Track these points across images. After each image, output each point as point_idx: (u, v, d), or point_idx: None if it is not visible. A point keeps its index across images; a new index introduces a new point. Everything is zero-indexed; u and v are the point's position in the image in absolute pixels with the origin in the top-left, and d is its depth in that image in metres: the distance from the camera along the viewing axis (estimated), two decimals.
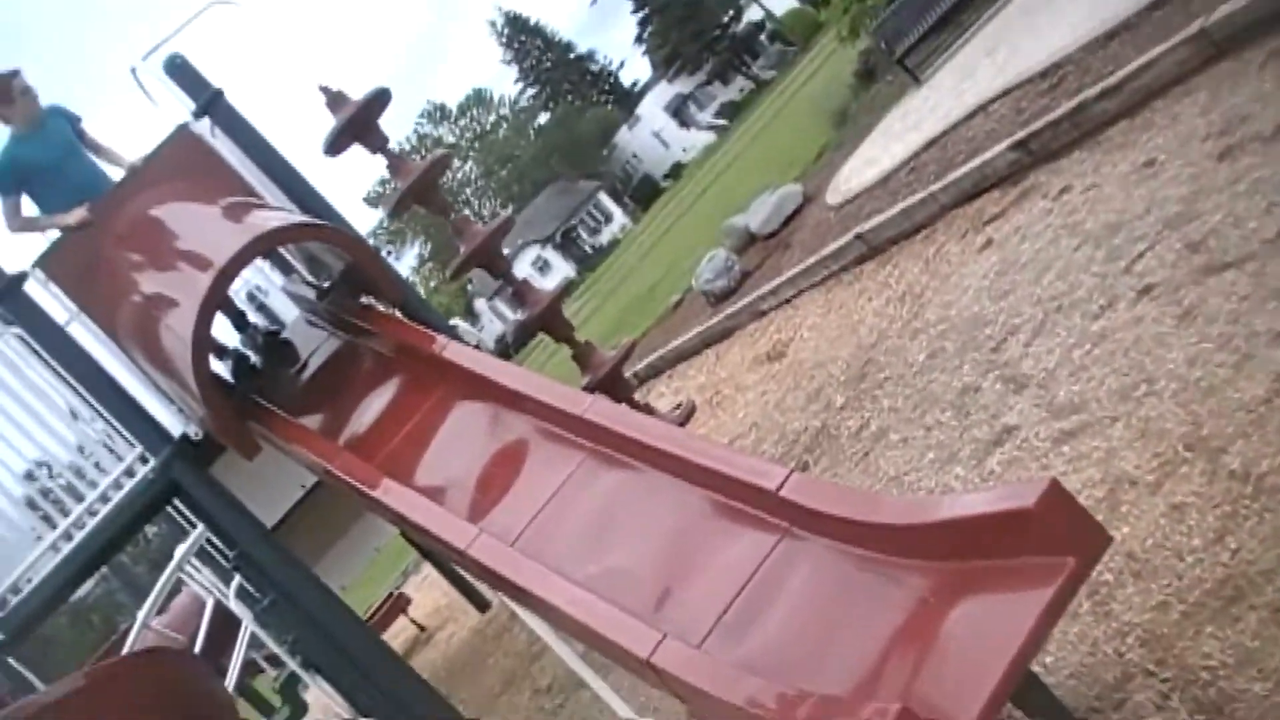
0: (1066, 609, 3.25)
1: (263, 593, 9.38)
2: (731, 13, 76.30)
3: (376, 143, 7.54)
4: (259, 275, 8.06)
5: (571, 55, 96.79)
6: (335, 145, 7.37)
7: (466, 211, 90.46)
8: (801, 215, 14.69)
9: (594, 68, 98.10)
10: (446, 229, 6.19)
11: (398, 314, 6.34)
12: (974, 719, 2.99)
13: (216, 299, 5.83)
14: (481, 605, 13.69)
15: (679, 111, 77.00)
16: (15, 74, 6.68)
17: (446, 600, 15.37)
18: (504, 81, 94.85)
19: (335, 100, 7.24)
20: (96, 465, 6.86)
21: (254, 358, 6.98)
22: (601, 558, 4.44)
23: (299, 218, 6.07)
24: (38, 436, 6.84)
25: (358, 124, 7.24)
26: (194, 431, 6.52)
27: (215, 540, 10.31)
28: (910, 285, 8.90)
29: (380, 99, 7.27)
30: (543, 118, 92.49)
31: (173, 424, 6.64)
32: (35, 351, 6.96)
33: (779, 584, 4.00)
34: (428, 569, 16.48)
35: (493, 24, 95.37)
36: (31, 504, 7.13)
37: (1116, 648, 3.70)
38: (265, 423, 5.97)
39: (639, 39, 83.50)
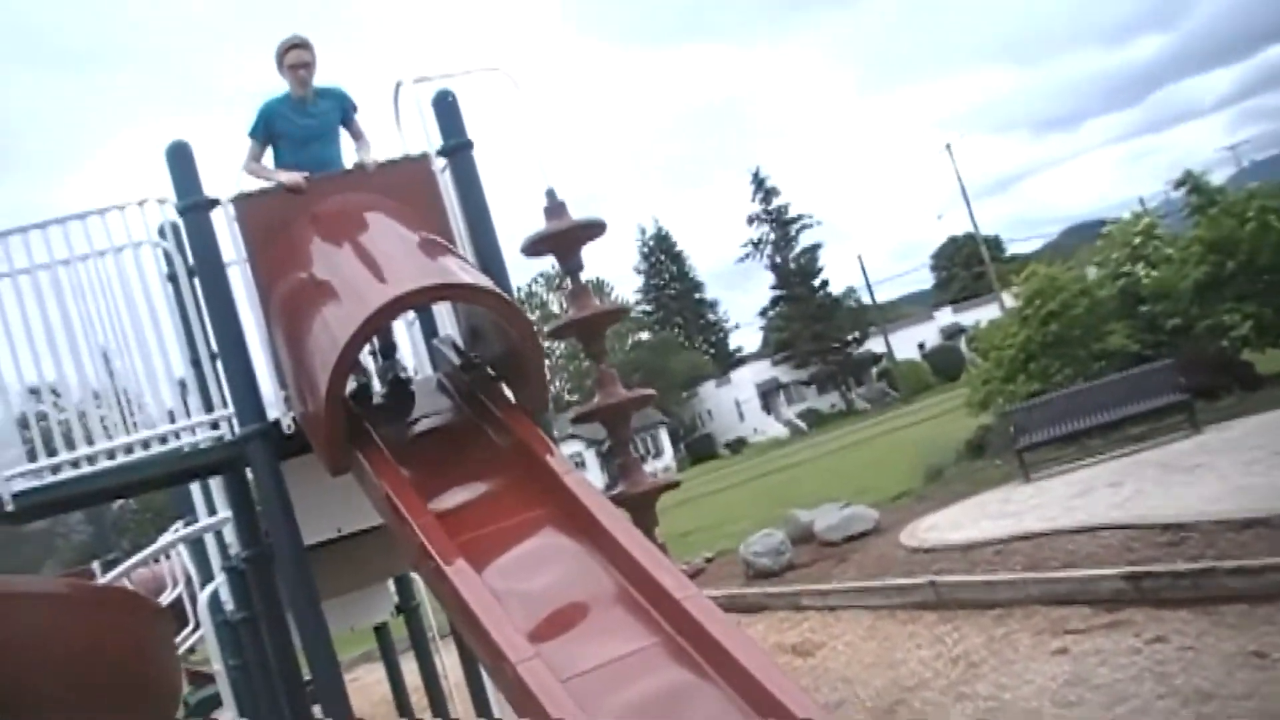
0: None
1: (240, 605, 9.15)
2: (858, 335, 77.62)
3: (571, 265, 7.69)
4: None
5: (697, 295, 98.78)
6: (535, 248, 7.52)
7: None
8: (866, 540, 14.66)
9: (711, 316, 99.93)
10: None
11: None
12: None
13: (385, 319, 5.81)
14: None
15: (768, 394, 77.69)
16: (291, 47, 6.89)
17: (371, 712, 14.87)
18: (625, 283, 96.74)
19: (555, 209, 7.41)
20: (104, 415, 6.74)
21: (377, 388, 6.94)
22: None
23: (493, 285, 6.09)
24: (86, 360, 6.78)
25: (563, 240, 7.40)
26: (288, 424, 6.41)
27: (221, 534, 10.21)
28: (968, 651, 8.74)
29: (593, 227, 7.42)
30: (644, 334, 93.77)
31: (270, 406, 6.56)
32: (171, 277, 7.00)
33: None
34: (364, 671, 16.05)
35: (642, 230, 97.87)
36: (23, 422, 7.04)
37: None
38: (364, 451, 5.86)
39: (764, 312, 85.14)
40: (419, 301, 6.12)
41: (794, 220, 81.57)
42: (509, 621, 4.71)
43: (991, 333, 21.67)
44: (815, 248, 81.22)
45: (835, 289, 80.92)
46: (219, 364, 6.85)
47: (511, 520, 5.49)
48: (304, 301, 6.17)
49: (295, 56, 6.90)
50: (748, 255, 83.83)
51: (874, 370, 78.01)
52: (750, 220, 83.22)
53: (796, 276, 79.96)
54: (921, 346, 76.38)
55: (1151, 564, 8.72)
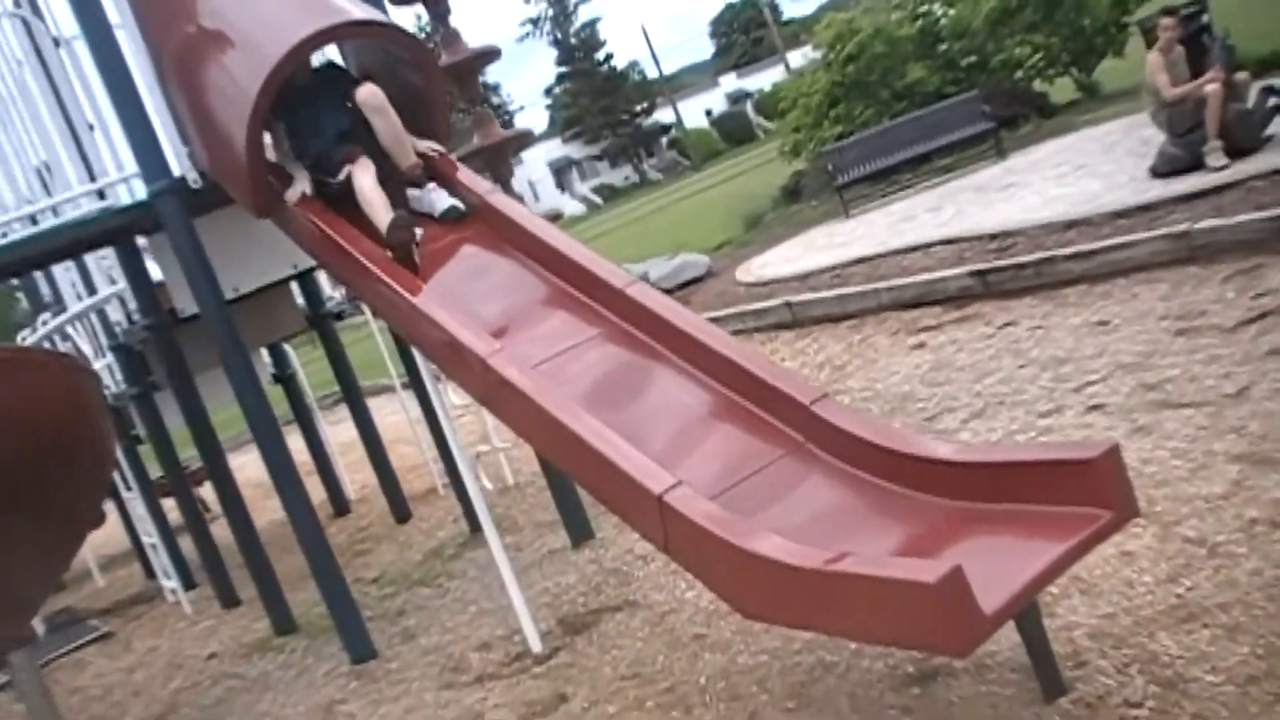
0: (1085, 557, 3.64)
1: (133, 381, 9.22)
2: (645, 106, 77.69)
3: (440, 9, 7.79)
4: None
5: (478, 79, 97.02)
6: None
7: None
8: (702, 284, 15.28)
9: (495, 99, 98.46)
10: None
11: None
12: (994, 610, 3.29)
13: (292, 63, 5.85)
14: None
15: (561, 172, 77.59)
16: None
17: (248, 493, 14.96)
18: None
19: None
20: None
21: None
22: (610, 413, 4.63)
23: (394, 21, 6.22)
24: None
25: None
26: (193, 179, 6.47)
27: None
28: (830, 358, 9.41)
29: None
30: None
31: (175, 163, 6.59)
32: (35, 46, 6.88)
33: (785, 485, 4.29)
34: (239, 457, 16.08)
35: (418, 16, 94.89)
36: None
37: (1067, 636, 4.09)
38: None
39: (549, 91, 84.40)
40: (323, 43, 6.18)
41: None
42: (472, 323, 5.03)
43: (797, 83, 22.19)
44: (595, 21, 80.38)
45: (619, 62, 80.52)
46: (95, 133, 6.84)
47: (442, 242, 5.75)
48: (203, 55, 6.18)
49: None
50: (528, 34, 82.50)
51: (664, 140, 78.43)
52: None
53: (580, 51, 79.17)
54: (709, 113, 76.96)
55: (989, 261, 9.47)
